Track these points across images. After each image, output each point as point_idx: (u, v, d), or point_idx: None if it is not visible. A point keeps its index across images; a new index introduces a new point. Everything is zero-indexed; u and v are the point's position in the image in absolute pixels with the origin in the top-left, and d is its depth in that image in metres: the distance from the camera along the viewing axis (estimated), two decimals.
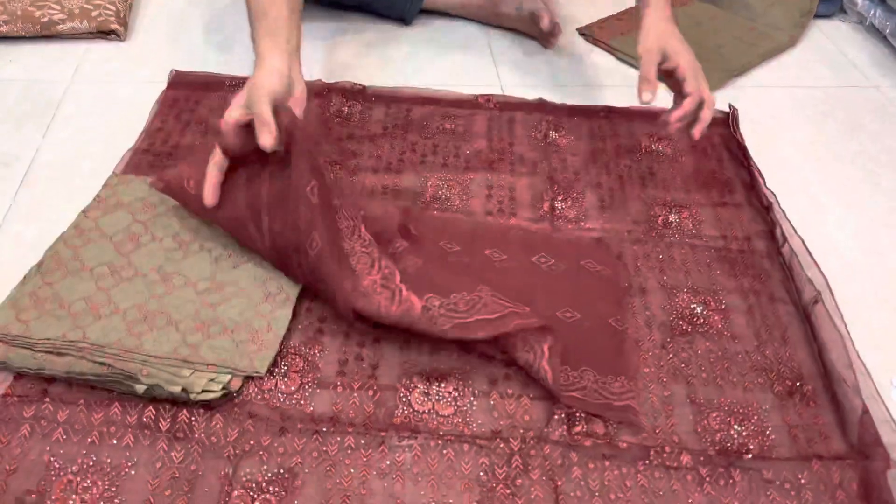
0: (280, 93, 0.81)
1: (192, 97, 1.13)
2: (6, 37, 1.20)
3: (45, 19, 1.20)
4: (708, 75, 0.98)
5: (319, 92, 1.16)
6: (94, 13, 1.23)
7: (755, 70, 1.31)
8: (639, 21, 1.03)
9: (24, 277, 0.81)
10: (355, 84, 1.18)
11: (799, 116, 1.20)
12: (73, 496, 0.64)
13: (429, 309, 0.74)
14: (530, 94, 1.19)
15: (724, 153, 1.10)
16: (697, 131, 0.95)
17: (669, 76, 0.99)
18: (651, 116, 1.16)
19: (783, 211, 0.97)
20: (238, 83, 1.16)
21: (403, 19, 1.37)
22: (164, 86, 1.15)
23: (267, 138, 0.75)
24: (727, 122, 1.15)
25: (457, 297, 0.76)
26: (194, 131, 1.07)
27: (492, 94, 1.18)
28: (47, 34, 1.22)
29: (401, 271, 0.78)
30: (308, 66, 1.22)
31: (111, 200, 0.91)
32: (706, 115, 0.94)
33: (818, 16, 1.46)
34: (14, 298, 0.78)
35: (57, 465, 0.66)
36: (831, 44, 1.40)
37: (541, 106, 1.18)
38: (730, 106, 1.16)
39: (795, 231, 0.93)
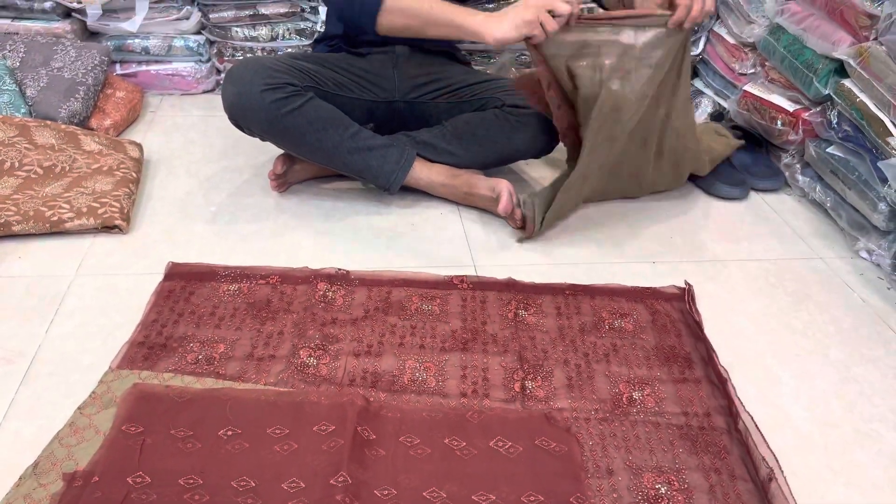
0: None
1: (186, 288, 1.22)
2: (18, 235, 1.31)
3: (55, 218, 1.32)
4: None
5: (307, 279, 1.25)
6: (100, 210, 1.34)
7: (711, 245, 1.42)
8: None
9: (20, 478, 0.85)
10: (339, 269, 1.27)
11: (751, 288, 1.29)
12: None
13: None
14: (501, 273, 1.29)
15: (683, 328, 1.18)
16: (687, 21, 1.28)
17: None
18: (611, 293, 1.25)
19: (734, 387, 1.03)
20: (231, 273, 1.25)
21: (388, 189, 1.48)
22: (161, 277, 1.24)
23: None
24: (684, 297, 1.24)
25: None
26: (187, 322, 1.15)
27: (465, 276, 1.28)
28: (56, 231, 1.32)
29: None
30: (295, 253, 1.34)
31: (106, 396, 0.97)
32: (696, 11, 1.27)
33: (766, 190, 1.61)
34: (8, 501, 0.82)
35: None
36: (778, 217, 1.52)
37: (510, 285, 1.27)
38: (685, 283, 1.25)
39: (744, 408, 0.99)
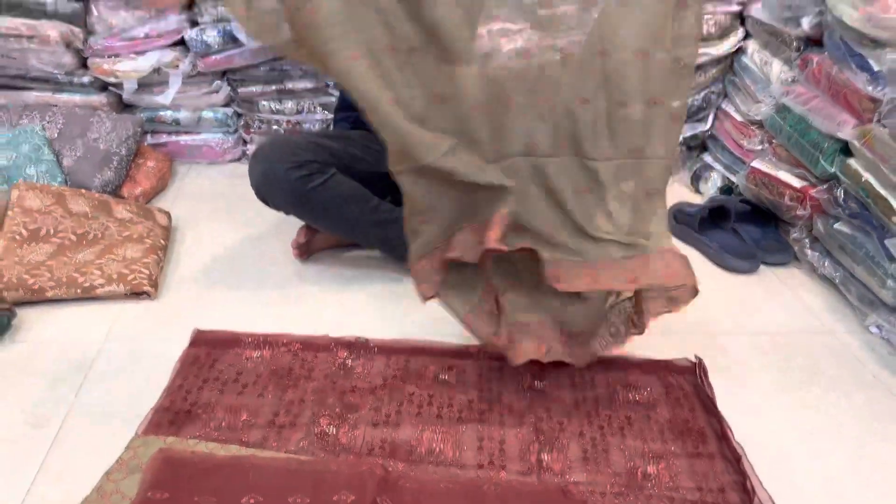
0: None
1: (211, 354, 1.26)
2: (51, 300, 1.36)
3: (87, 284, 1.37)
4: None
5: (327, 346, 1.29)
6: (130, 277, 1.39)
7: (722, 318, 1.44)
8: None
9: None
10: (359, 337, 1.31)
11: (762, 362, 1.31)
12: None
13: None
14: None
15: (696, 402, 1.20)
16: None
17: None
18: (624, 365, 1.27)
19: (751, 464, 1.05)
20: (254, 340, 1.29)
21: (405, 260, 1.52)
22: (187, 343, 1.28)
23: None
24: (695, 371, 1.26)
25: None
26: (211, 388, 1.18)
27: (481, 345, 1.30)
28: (87, 297, 1.37)
29: None
30: (316, 320, 1.37)
31: (133, 462, 1.00)
32: None
33: (775, 264, 1.64)
34: None
35: None
36: (788, 291, 1.55)
37: None
38: (696, 357, 1.28)
39: (762, 485, 1.01)
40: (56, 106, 1.88)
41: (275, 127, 2.01)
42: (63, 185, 1.64)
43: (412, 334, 1.34)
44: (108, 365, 1.23)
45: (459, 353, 1.30)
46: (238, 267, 1.55)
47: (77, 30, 1.83)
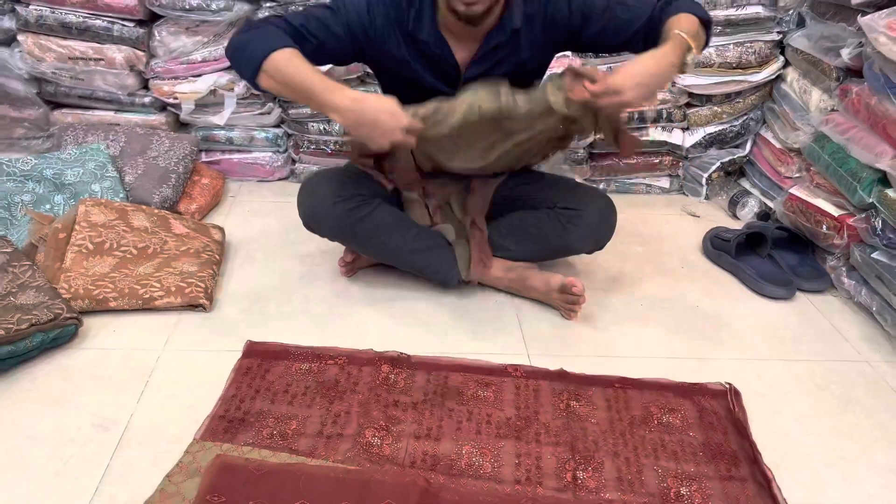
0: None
1: (262, 365, 1.33)
2: (113, 310, 1.44)
3: (147, 295, 1.45)
4: None
5: (371, 361, 1.35)
6: (187, 290, 1.47)
7: (758, 344, 1.47)
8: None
9: None
10: (401, 353, 1.36)
11: (797, 389, 1.34)
12: None
13: None
14: (552, 363, 1.36)
15: (729, 425, 1.23)
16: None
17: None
18: (659, 387, 1.30)
19: (780, 489, 1.07)
20: (303, 353, 1.35)
21: (446, 284, 1.59)
22: (240, 354, 1.35)
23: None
24: (727, 395, 1.29)
25: None
26: (263, 398, 1.25)
27: (519, 364, 1.35)
28: (146, 308, 1.45)
29: None
30: (361, 335, 1.43)
31: (192, 466, 1.06)
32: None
33: (812, 291, 1.66)
34: None
35: None
36: (824, 318, 1.56)
37: (562, 375, 1.33)
38: (727, 384, 1.30)
39: None
40: (118, 125, 1.99)
41: (322, 147, 2.09)
42: (125, 202, 1.73)
43: (452, 352, 1.39)
44: (167, 373, 1.30)
45: (497, 371, 1.34)
46: (287, 282, 1.62)
47: (140, 53, 1.94)
